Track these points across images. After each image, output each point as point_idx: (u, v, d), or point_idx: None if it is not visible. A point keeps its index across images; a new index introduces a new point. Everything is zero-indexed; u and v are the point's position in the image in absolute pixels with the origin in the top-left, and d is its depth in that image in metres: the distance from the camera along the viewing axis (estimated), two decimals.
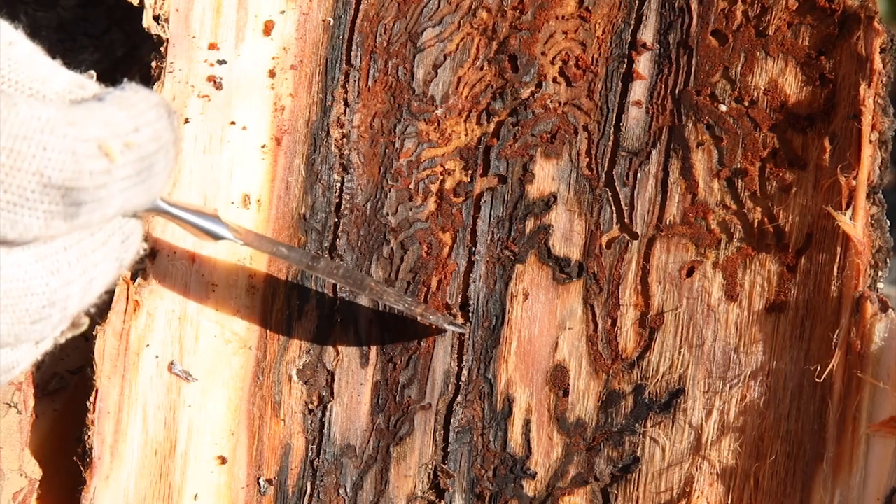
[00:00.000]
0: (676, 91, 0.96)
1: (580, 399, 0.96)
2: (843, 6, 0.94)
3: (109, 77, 1.10)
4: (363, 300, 0.96)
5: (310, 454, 0.96)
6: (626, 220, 0.96)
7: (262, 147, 0.95)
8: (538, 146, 0.96)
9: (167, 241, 0.94)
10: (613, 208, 0.96)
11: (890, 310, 0.92)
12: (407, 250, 0.96)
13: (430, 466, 0.97)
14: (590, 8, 0.96)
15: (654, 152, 0.96)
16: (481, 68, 0.96)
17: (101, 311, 0.94)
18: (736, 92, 0.95)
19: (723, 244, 0.96)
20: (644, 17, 0.96)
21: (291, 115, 0.96)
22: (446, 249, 0.96)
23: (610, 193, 0.96)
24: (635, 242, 0.96)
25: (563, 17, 0.96)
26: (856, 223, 0.93)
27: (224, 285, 0.95)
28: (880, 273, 0.94)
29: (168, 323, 0.95)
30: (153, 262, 0.94)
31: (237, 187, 0.95)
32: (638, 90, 0.96)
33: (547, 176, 0.96)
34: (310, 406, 0.96)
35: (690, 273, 0.96)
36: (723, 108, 0.95)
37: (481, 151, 0.96)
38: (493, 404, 0.96)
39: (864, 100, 0.93)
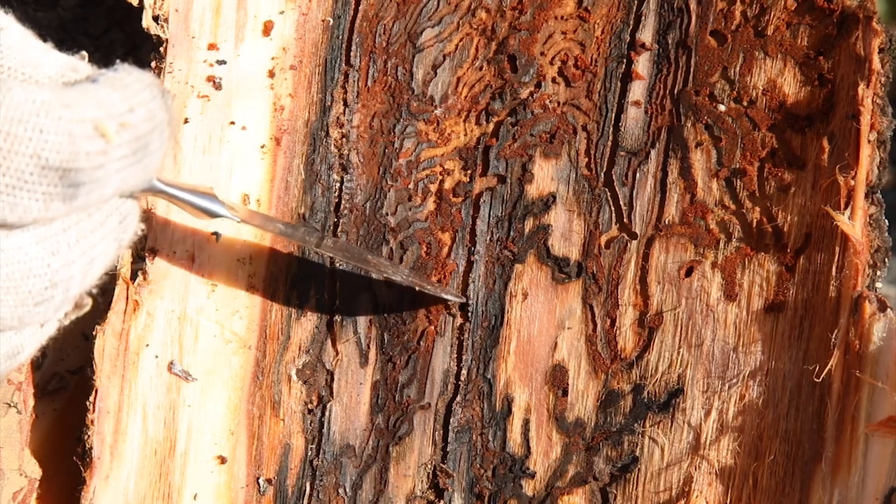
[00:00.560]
0: (675, 91, 0.96)
1: (579, 399, 0.96)
2: (842, 6, 0.94)
3: None
4: (362, 298, 0.96)
5: (309, 454, 0.96)
6: (625, 219, 0.96)
7: (262, 147, 0.96)
8: (537, 146, 0.96)
9: (167, 240, 0.94)
10: (612, 208, 0.96)
11: (888, 309, 0.92)
12: (406, 250, 0.96)
13: (429, 466, 0.97)
14: (589, 8, 0.96)
15: (652, 152, 0.96)
16: (480, 68, 0.96)
17: (101, 312, 0.95)
18: (735, 92, 0.95)
19: (721, 244, 0.96)
20: (643, 18, 0.96)
21: (291, 115, 0.96)
22: (445, 249, 0.96)
23: (609, 193, 0.96)
24: (634, 242, 0.96)
25: (562, 18, 0.96)
26: (854, 223, 0.93)
27: (224, 285, 0.95)
28: (879, 273, 0.94)
29: (168, 323, 0.95)
30: (153, 261, 0.94)
31: (237, 187, 0.95)
32: (637, 90, 0.96)
33: (546, 176, 0.96)
34: (309, 406, 0.96)
35: (689, 273, 0.96)
36: (721, 108, 0.95)
37: (480, 151, 0.96)
38: (493, 404, 0.96)
39: (862, 100, 0.93)
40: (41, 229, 0.69)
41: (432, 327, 0.96)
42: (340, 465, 0.96)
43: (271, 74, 0.95)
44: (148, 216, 0.94)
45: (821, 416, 0.94)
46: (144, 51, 1.06)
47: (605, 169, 0.96)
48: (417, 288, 0.94)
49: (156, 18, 0.95)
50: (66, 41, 1.11)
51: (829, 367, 0.92)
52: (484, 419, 0.96)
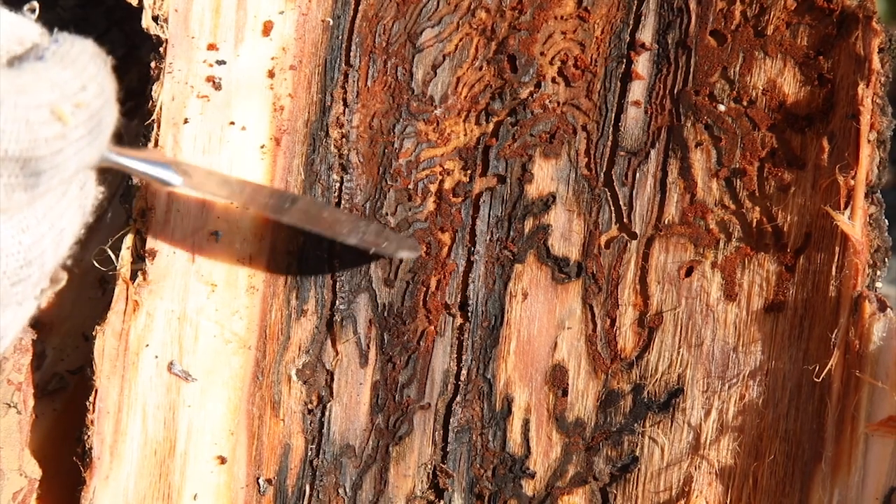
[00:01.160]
0: (675, 91, 0.96)
1: (579, 399, 0.96)
2: (842, 6, 0.94)
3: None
4: (362, 299, 0.96)
5: (309, 454, 0.96)
6: (624, 219, 0.96)
7: (262, 147, 0.96)
8: (537, 146, 0.96)
9: (167, 241, 0.94)
10: (612, 208, 0.96)
11: (888, 309, 0.92)
12: None
13: (429, 466, 0.97)
14: (588, 8, 0.96)
15: (652, 152, 0.96)
16: (480, 68, 0.96)
17: (101, 312, 0.95)
18: (734, 92, 0.95)
19: (721, 244, 0.96)
20: (643, 18, 0.96)
21: (290, 116, 0.96)
22: (445, 249, 0.96)
23: (609, 193, 0.96)
24: (634, 242, 0.96)
25: (561, 18, 0.96)
26: (854, 223, 0.93)
27: (223, 285, 0.95)
28: (879, 272, 0.94)
29: (167, 323, 0.95)
30: (153, 262, 0.94)
31: None
32: (637, 90, 0.96)
33: (546, 176, 0.96)
34: (309, 406, 0.96)
35: (689, 273, 0.96)
36: (721, 108, 0.95)
37: (480, 151, 0.96)
38: (493, 404, 0.96)
39: (862, 99, 0.93)
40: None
41: (432, 327, 0.96)
42: (340, 465, 0.96)
43: (271, 74, 0.95)
44: (147, 216, 0.94)
45: (821, 416, 0.94)
46: (144, 51, 1.06)
47: (604, 169, 0.96)
48: (373, 250, 0.93)
49: (155, 18, 0.95)
50: None
51: (829, 366, 0.92)
52: (484, 419, 0.96)
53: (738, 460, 0.95)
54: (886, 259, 0.95)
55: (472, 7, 0.96)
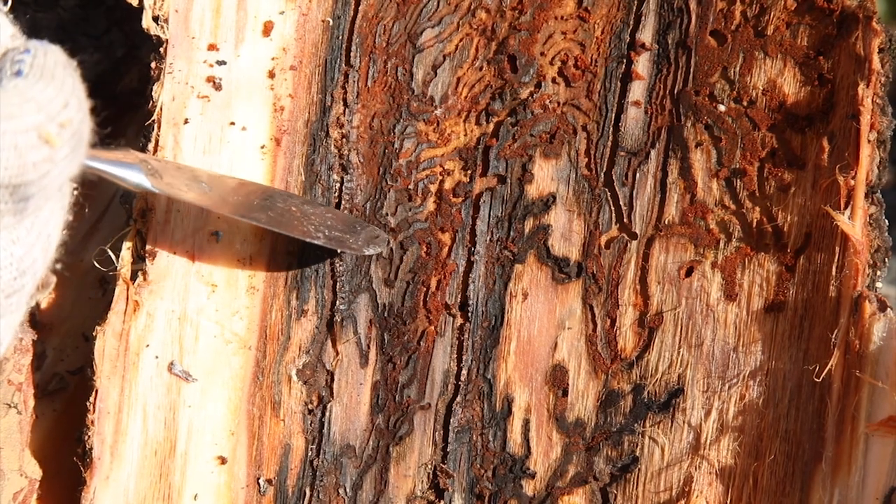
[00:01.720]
0: (675, 91, 0.96)
1: (579, 399, 0.96)
2: (842, 6, 0.94)
3: (109, 78, 1.11)
4: (362, 299, 0.96)
5: (309, 454, 0.96)
6: (624, 220, 0.96)
7: (262, 147, 0.96)
8: (537, 146, 0.96)
9: (167, 241, 0.94)
10: (612, 208, 0.96)
11: (888, 309, 0.92)
12: (406, 250, 0.96)
13: (429, 466, 0.97)
14: (589, 8, 0.96)
15: (652, 152, 0.96)
16: (480, 69, 0.96)
17: (101, 313, 0.95)
18: (735, 92, 0.95)
19: (721, 244, 0.96)
20: (643, 18, 0.96)
21: (291, 116, 0.96)
22: (445, 249, 0.96)
23: (609, 193, 0.96)
24: (634, 242, 0.96)
25: (562, 18, 0.96)
26: (854, 223, 0.93)
27: (224, 285, 0.95)
28: (879, 273, 0.94)
29: (168, 323, 0.95)
30: (153, 262, 0.94)
31: None
32: (637, 90, 0.96)
33: (546, 176, 0.96)
34: (309, 406, 0.96)
35: (689, 273, 0.96)
36: (721, 108, 0.95)
37: (480, 152, 0.96)
38: (493, 404, 0.96)
39: (862, 100, 0.93)
40: None
41: (432, 327, 0.96)
42: (341, 465, 0.96)
43: (271, 75, 0.95)
44: (147, 216, 0.94)
45: (821, 416, 0.94)
46: (144, 51, 1.06)
47: (605, 169, 0.96)
48: (339, 250, 0.93)
49: (156, 19, 0.95)
50: (65, 42, 1.10)
51: (829, 366, 0.92)
52: (484, 419, 0.96)
53: (739, 460, 0.95)
54: (886, 259, 0.95)
55: (472, 7, 0.96)
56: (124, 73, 1.12)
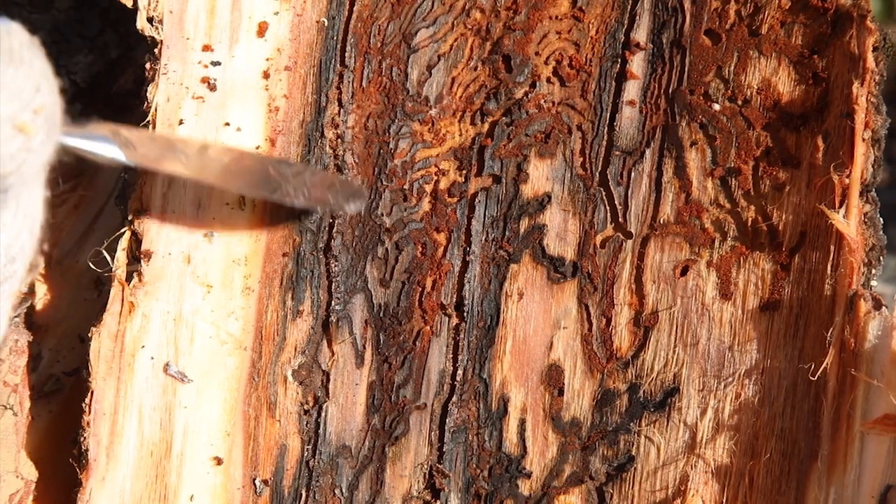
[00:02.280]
0: (670, 90, 0.96)
1: (575, 398, 0.96)
2: (836, 5, 0.94)
3: (104, 80, 1.11)
4: (357, 299, 0.96)
5: (305, 454, 0.96)
6: (620, 219, 0.96)
7: (257, 148, 0.95)
8: (532, 146, 0.96)
9: (162, 242, 0.94)
10: (607, 208, 0.96)
11: (883, 308, 0.93)
12: (402, 250, 0.96)
13: (425, 466, 0.97)
14: (583, 8, 0.96)
15: (647, 152, 0.96)
16: (475, 69, 0.96)
17: (97, 314, 0.94)
18: (729, 91, 0.95)
19: (717, 243, 0.96)
20: (637, 17, 0.96)
21: (286, 116, 0.96)
22: (441, 249, 0.96)
23: (604, 193, 0.96)
24: (629, 242, 0.96)
25: (556, 18, 0.96)
26: (849, 221, 0.93)
27: (219, 286, 0.95)
28: (874, 271, 0.94)
29: (163, 324, 0.95)
30: (148, 263, 0.94)
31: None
32: (631, 90, 0.96)
33: (541, 176, 0.96)
34: (305, 406, 0.96)
35: (685, 272, 0.96)
36: (716, 107, 0.95)
37: (475, 151, 0.96)
38: (489, 404, 0.96)
39: (856, 98, 0.93)
40: None
41: (428, 327, 0.96)
42: (337, 465, 0.96)
43: (266, 75, 0.95)
44: (142, 217, 0.94)
45: (816, 415, 0.94)
46: (139, 52, 1.06)
47: (600, 168, 0.96)
48: (320, 210, 0.93)
49: (150, 20, 0.95)
50: (60, 43, 1.11)
51: (824, 365, 0.92)
52: (480, 419, 0.96)
53: (735, 459, 0.95)
54: (881, 257, 0.95)
55: (466, 7, 0.96)
56: (119, 75, 1.12)
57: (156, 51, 0.95)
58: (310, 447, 0.96)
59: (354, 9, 0.96)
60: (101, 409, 0.94)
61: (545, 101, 0.96)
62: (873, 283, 0.95)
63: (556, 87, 0.96)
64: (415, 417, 0.96)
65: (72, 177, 1.02)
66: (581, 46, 0.96)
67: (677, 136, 0.96)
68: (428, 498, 0.97)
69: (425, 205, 0.96)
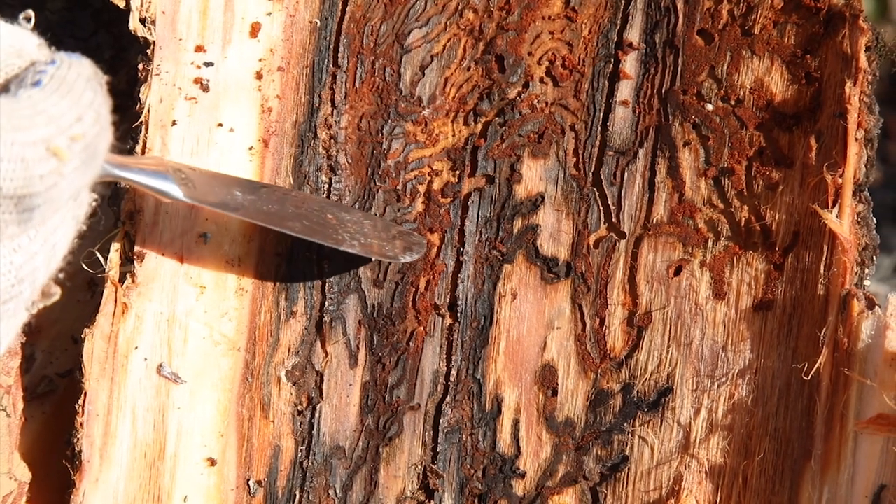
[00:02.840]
0: (663, 90, 0.96)
1: (569, 398, 0.96)
2: (829, 5, 0.94)
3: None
4: (351, 300, 0.96)
5: (299, 455, 0.96)
6: (613, 219, 0.96)
7: (250, 149, 0.95)
8: (525, 146, 0.96)
9: (155, 243, 0.94)
10: (601, 208, 0.96)
11: (877, 307, 0.93)
12: None
13: (419, 467, 0.97)
14: (576, 8, 0.96)
15: (640, 152, 0.96)
16: (468, 69, 0.96)
17: (90, 315, 0.94)
18: (722, 91, 0.95)
19: (710, 243, 0.96)
20: (630, 17, 0.96)
21: (279, 117, 0.96)
22: (434, 250, 0.96)
23: (597, 193, 0.96)
24: (623, 242, 0.96)
25: (549, 18, 0.96)
26: (842, 221, 0.93)
27: (212, 287, 0.95)
28: (867, 271, 0.95)
29: (156, 325, 0.95)
30: (141, 264, 0.94)
31: None
32: (624, 90, 0.96)
33: (534, 176, 0.96)
34: (299, 407, 0.96)
35: (678, 272, 0.96)
36: (709, 107, 0.95)
37: (469, 152, 0.96)
38: (482, 404, 0.96)
39: (849, 98, 0.93)
40: None
41: (421, 328, 0.96)
42: (330, 466, 0.96)
43: (259, 76, 0.95)
44: (135, 218, 0.94)
45: (810, 414, 0.94)
46: (132, 53, 1.06)
47: (593, 168, 0.96)
48: (375, 258, 0.93)
49: (143, 21, 0.95)
50: (52, 44, 1.10)
51: (817, 364, 0.92)
52: (474, 419, 0.96)
53: (728, 459, 0.95)
54: (874, 257, 0.95)
55: (459, 7, 0.96)
56: (112, 76, 1.12)
57: (148, 52, 0.95)
58: (304, 448, 0.96)
59: (347, 9, 0.96)
60: (94, 411, 0.94)
61: (538, 102, 0.96)
62: (866, 282, 0.95)
63: (549, 88, 0.96)
64: (409, 418, 0.96)
65: None
66: (574, 46, 0.96)
67: (670, 136, 0.96)
68: (422, 498, 0.97)
69: (419, 205, 0.96)
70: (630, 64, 0.96)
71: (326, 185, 0.96)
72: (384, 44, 0.96)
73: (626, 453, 0.96)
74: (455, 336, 0.96)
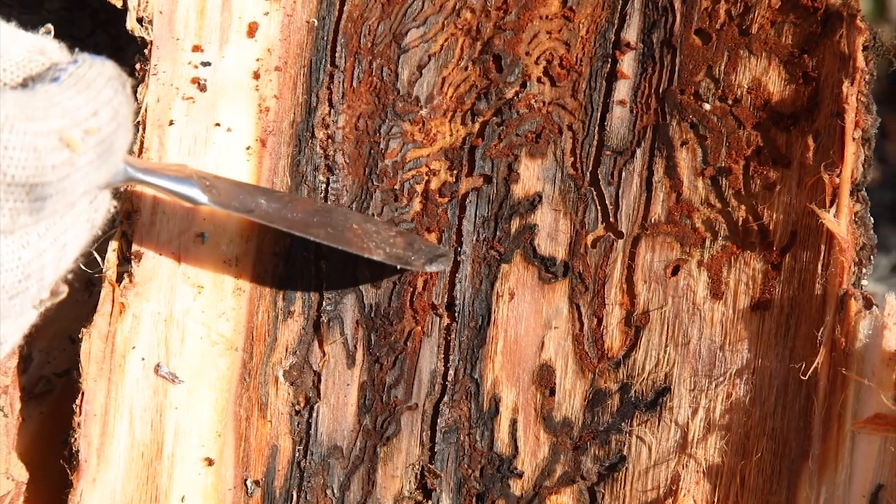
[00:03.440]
0: (660, 90, 0.96)
1: (566, 398, 0.96)
2: (826, 4, 0.94)
3: None
4: (349, 299, 0.96)
5: (297, 455, 0.96)
6: (611, 219, 0.96)
7: (247, 149, 0.95)
8: (523, 146, 0.96)
9: (153, 243, 0.94)
10: (598, 207, 0.96)
11: (874, 307, 0.93)
12: None
13: (417, 466, 0.97)
14: (573, 8, 0.96)
15: (638, 151, 0.96)
16: (465, 68, 0.96)
17: (87, 315, 0.94)
18: (720, 90, 0.95)
19: (707, 242, 0.96)
20: (628, 17, 0.96)
21: (276, 117, 0.96)
22: None
23: (595, 193, 0.96)
24: (620, 241, 0.96)
25: (546, 17, 0.96)
26: (840, 221, 0.93)
27: (210, 287, 0.95)
28: (864, 270, 0.95)
29: (154, 325, 0.95)
30: (139, 264, 0.94)
31: None
32: (622, 89, 0.96)
33: (532, 175, 0.96)
34: (296, 407, 0.96)
35: (675, 271, 0.96)
36: (707, 106, 0.95)
37: (466, 151, 0.96)
38: (480, 404, 0.96)
39: (847, 97, 0.93)
40: None
41: (419, 328, 0.96)
42: (328, 466, 0.96)
43: (256, 76, 0.95)
44: (133, 218, 0.94)
45: (807, 414, 0.94)
46: (129, 53, 1.06)
47: (590, 168, 0.96)
48: (399, 266, 0.93)
49: (140, 20, 0.95)
50: None
51: (815, 364, 0.92)
52: (471, 419, 0.96)
53: (726, 459, 0.95)
54: (872, 257, 0.95)
55: (457, 7, 0.96)
56: None
57: (145, 51, 0.95)
58: (301, 448, 0.96)
59: (345, 9, 0.96)
60: (91, 410, 0.94)
61: (536, 101, 0.96)
62: (864, 282, 0.95)
63: (546, 87, 0.96)
64: (406, 418, 0.96)
65: None
66: (571, 46, 0.96)
67: (668, 136, 0.96)
68: (419, 498, 0.97)
69: (416, 205, 0.96)
70: (627, 64, 0.96)
71: (324, 185, 0.96)
72: (381, 43, 0.96)
73: (624, 453, 0.96)
74: (453, 336, 0.96)
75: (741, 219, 0.95)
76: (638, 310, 0.96)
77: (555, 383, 0.96)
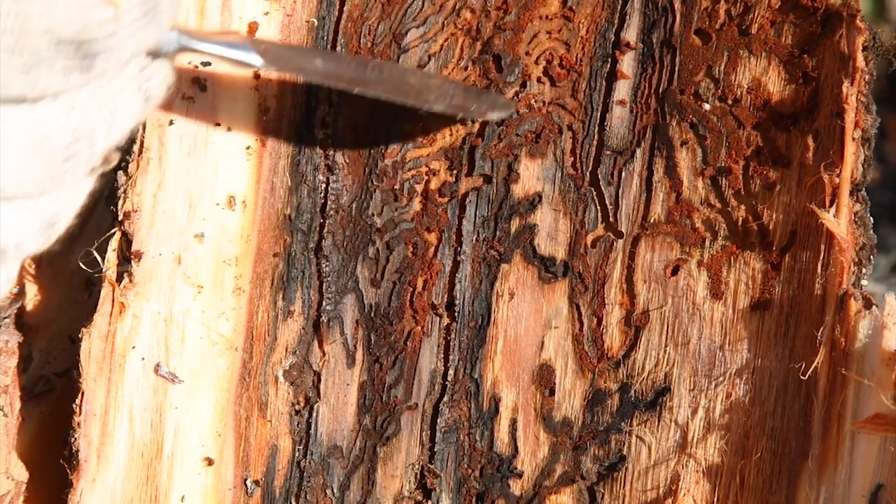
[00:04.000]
0: (660, 90, 0.96)
1: (566, 398, 0.96)
2: (826, 4, 0.94)
3: None
4: (348, 299, 0.96)
5: (296, 455, 0.96)
6: (610, 219, 0.96)
7: (247, 148, 0.95)
8: (523, 146, 0.96)
9: (153, 242, 0.94)
10: (598, 207, 0.96)
11: (874, 307, 0.93)
12: (392, 251, 0.96)
13: (416, 466, 0.97)
14: (573, 8, 0.96)
15: (638, 151, 0.96)
16: (465, 68, 0.96)
17: (87, 314, 0.94)
18: (719, 90, 0.95)
19: (707, 242, 0.96)
20: (627, 17, 0.96)
21: (276, 117, 0.96)
22: (432, 249, 0.96)
23: (595, 192, 0.96)
24: (620, 241, 0.96)
25: (546, 17, 0.96)
26: (840, 221, 0.93)
27: (210, 287, 0.95)
28: (864, 270, 0.95)
29: (154, 325, 0.95)
30: (138, 263, 0.94)
31: (222, 189, 0.95)
32: (622, 89, 0.96)
33: (532, 175, 0.96)
34: (296, 407, 0.96)
35: (675, 271, 0.96)
36: (706, 106, 0.95)
37: (466, 151, 0.96)
38: (480, 404, 0.96)
39: (846, 98, 0.93)
40: None
41: (419, 327, 0.96)
42: (328, 465, 0.96)
43: (256, 76, 0.95)
44: (132, 218, 0.94)
45: (807, 414, 0.94)
46: None
47: (590, 168, 0.96)
48: (460, 115, 0.92)
49: None
50: None
51: (815, 364, 0.92)
52: (471, 419, 0.96)
53: (725, 458, 0.95)
54: (872, 257, 0.95)
55: (456, 7, 0.96)
56: None
57: None
58: (301, 447, 0.96)
59: (345, 9, 0.96)
60: (91, 410, 0.94)
61: (535, 101, 0.96)
62: (864, 282, 0.95)
63: (546, 87, 0.96)
64: (406, 417, 0.96)
65: None
66: (571, 46, 0.96)
67: (668, 136, 0.96)
68: (419, 498, 0.97)
69: (416, 205, 0.96)
70: (627, 64, 0.96)
71: (323, 185, 0.96)
72: (381, 43, 0.96)
73: (624, 453, 0.96)
74: (452, 336, 0.96)
75: (741, 219, 0.95)
76: (638, 310, 0.96)
77: (555, 383, 0.96)
